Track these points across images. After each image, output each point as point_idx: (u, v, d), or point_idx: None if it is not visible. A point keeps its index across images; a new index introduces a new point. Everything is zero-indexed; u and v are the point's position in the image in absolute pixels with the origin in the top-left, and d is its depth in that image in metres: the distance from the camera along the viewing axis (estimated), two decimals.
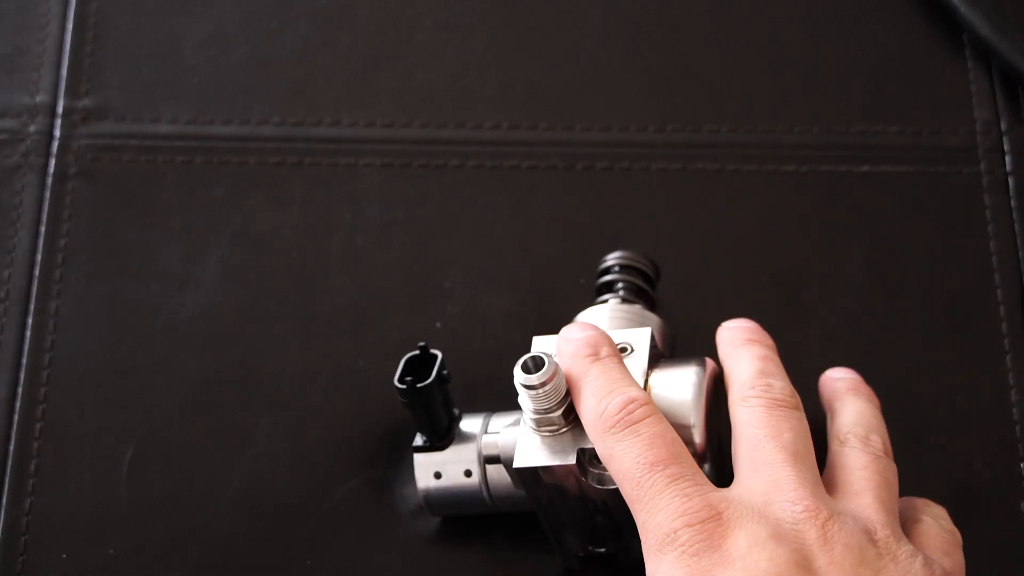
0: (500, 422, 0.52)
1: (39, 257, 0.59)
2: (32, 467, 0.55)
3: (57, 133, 0.62)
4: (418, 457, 0.52)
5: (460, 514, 0.53)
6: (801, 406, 0.49)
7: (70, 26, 0.64)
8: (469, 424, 0.52)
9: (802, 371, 0.57)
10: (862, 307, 0.59)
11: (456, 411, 0.52)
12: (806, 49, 0.65)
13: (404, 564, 0.54)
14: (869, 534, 0.45)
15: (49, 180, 0.61)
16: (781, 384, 0.49)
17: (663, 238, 0.60)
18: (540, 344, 0.52)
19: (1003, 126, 0.63)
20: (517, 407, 0.49)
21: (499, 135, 0.63)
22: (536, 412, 0.48)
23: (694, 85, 0.64)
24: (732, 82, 0.64)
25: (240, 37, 0.64)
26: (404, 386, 0.50)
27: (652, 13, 0.65)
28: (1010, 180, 0.62)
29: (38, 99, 0.63)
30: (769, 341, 0.52)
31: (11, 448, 0.56)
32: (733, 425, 0.49)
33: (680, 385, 0.49)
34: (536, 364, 0.48)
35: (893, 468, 0.50)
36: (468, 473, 0.51)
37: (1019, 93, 0.64)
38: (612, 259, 0.56)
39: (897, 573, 0.45)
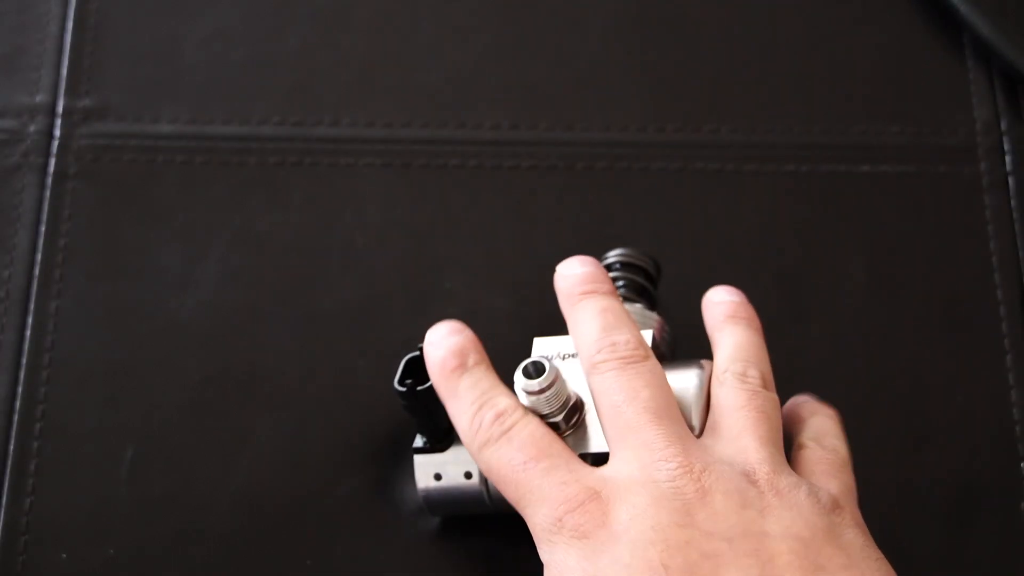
0: None
1: (39, 257, 0.59)
2: (32, 467, 0.55)
3: (57, 133, 0.62)
4: (418, 458, 0.52)
5: (460, 514, 0.53)
6: (652, 355, 0.48)
7: (70, 26, 0.64)
8: None
9: (802, 371, 0.57)
10: (862, 307, 0.59)
11: None
12: (806, 49, 0.65)
13: (404, 564, 0.54)
14: (748, 476, 0.45)
15: (49, 180, 0.61)
16: (625, 338, 0.48)
17: (663, 238, 0.60)
18: (541, 346, 0.52)
19: (1003, 126, 0.63)
20: None
21: (499, 135, 0.63)
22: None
23: (694, 85, 0.64)
24: (732, 82, 0.64)
25: (240, 37, 0.64)
26: (404, 389, 0.50)
27: (652, 13, 0.65)
28: (1010, 180, 0.62)
29: (38, 99, 0.63)
30: (604, 287, 0.51)
31: (11, 448, 0.56)
32: (592, 396, 0.48)
33: (681, 387, 0.49)
34: (537, 369, 0.48)
35: (773, 399, 0.49)
36: (468, 475, 0.51)
37: (1019, 93, 0.64)
38: (613, 256, 0.56)
39: (782, 508, 0.45)
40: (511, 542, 0.53)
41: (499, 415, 0.48)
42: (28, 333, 0.58)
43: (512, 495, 0.47)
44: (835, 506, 0.46)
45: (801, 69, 0.64)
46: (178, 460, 0.56)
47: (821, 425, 0.51)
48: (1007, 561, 0.54)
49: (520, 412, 0.48)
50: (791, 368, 0.57)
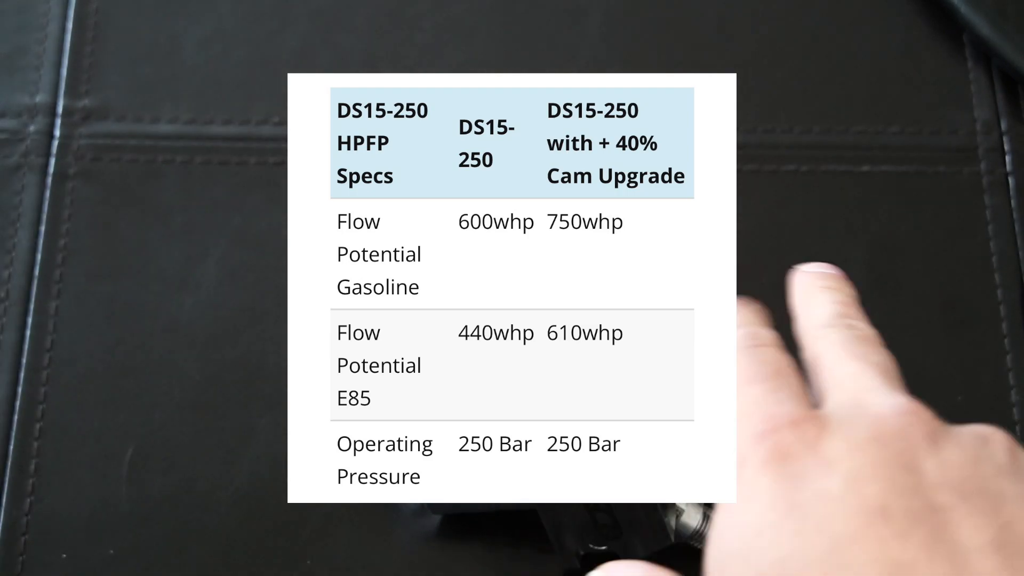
0: None
1: (39, 257, 0.59)
2: (32, 467, 0.55)
3: (57, 133, 0.62)
4: None
5: (461, 512, 0.53)
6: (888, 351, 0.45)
7: (70, 26, 0.64)
8: None
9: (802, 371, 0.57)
10: (862, 307, 0.59)
11: None
12: (806, 49, 0.65)
13: (404, 564, 0.54)
14: (980, 435, 0.41)
15: (49, 180, 0.61)
16: (864, 325, 0.46)
17: None
18: None
19: (1003, 126, 0.63)
20: None
21: None
22: None
23: None
24: None
25: (240, 37, 0.64)
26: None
27: (652, 14, 0.65)
28: (1010, 180, 0.62)
29: (38, 99, 0.63)
30: (849, 289, 0.48)
31: (11, 448, 0.56)
32: (811, 359, 0.45)
33: None
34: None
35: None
36: None
37: (1019, 93, 0.64)
38: None
39: (1018, 471, 0.40)
40: (512, 541, 0.53)
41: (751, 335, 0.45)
42: (28, 333, 0.58)
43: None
44: None
45: (801, 69, 0.64)
46: (178, 460, 0.56)
47: None
48: None
49: (772, 336, 0.45)
50: None
